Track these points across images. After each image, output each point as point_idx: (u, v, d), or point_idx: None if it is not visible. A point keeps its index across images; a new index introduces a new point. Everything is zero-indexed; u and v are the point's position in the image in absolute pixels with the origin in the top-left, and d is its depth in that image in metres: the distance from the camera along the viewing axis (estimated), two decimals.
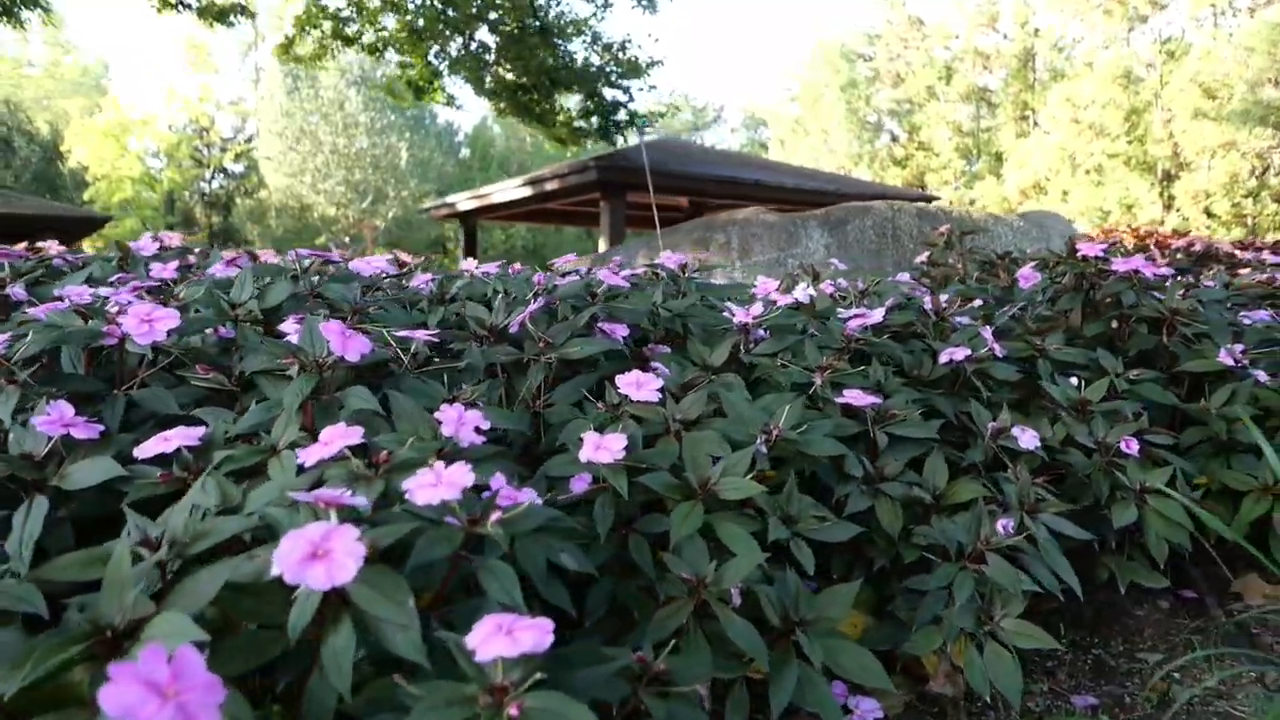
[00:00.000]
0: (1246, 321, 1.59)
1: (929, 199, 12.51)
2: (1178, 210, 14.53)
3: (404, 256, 1.47)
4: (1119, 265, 1.57)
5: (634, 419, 1.00)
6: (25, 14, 6.84)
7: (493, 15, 7.62)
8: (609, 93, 8.23)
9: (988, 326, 1.40)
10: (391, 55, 8.34)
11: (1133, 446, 1.20)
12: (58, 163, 18.97)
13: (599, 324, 1.25)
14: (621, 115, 8.41)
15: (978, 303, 1.82)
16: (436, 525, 0.61)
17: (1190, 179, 14.46)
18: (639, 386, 0.99)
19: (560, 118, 8.49)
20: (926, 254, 2.46)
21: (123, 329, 0.86)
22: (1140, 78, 15.42)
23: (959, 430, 1.26)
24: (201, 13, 7.18)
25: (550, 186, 8.54)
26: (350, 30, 7.91)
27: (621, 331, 1.25)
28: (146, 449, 0.74)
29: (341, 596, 0.54)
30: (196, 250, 1.98)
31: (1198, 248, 3.38)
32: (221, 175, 22.71)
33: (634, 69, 8.18)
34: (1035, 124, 18.19)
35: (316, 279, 1.16)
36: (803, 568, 0.90)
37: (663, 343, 1.39)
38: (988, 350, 1.32)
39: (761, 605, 0.84)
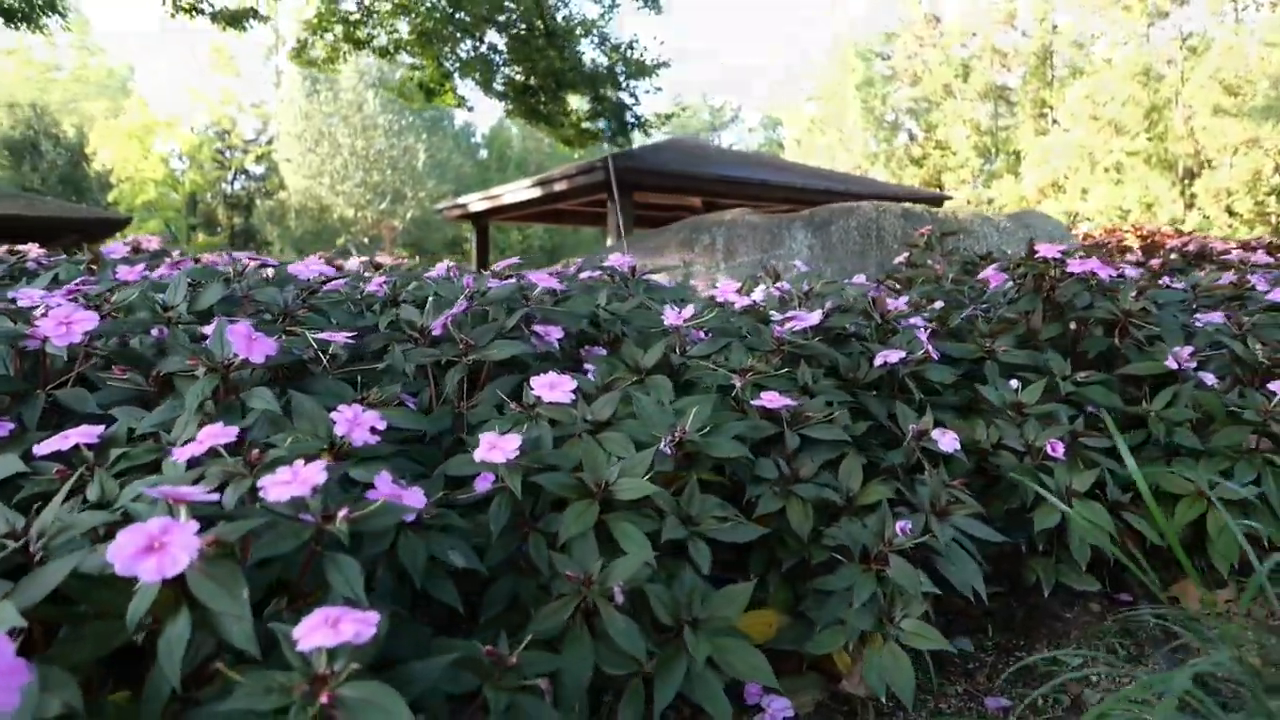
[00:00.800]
0: (1199, 323, 1.58)
1: (944, 199, 12.41)
2: (1199, 209, 14.30)
3: (345, 261, 1.50)
4: (1074, 266, 1.56)
5: (549, 421, 1.02)
6: (44, 19, 6.98)
7: (501, 17, 7.67)
8: (616, 94, 8.24)
9: (925, 329, 1.41)
10: (403, 58, 8.42)
11: (1059, 450, 1.20)
12: (83, 165, 19.32)
13: (534, 326, 1.27)
14: (629, 116, 8.42)
15: (939, 304, 1.83)
16: (290, 521, 0.63)
17: (1211, 177, 14.23)
18: (552, 388, 1.01)
19: (569, 119, 8.52)
20: (906, 255, 2.47)
21: (41, 331, 0.89)
22: (1160, 74, 15.19)
23: (890, 433, 1.27)
24: (215, 17, 7.29)
25: (559, 187, 8.58)
26: (362, 33, 8.01)
27: (556, 334, 1.27)
28: (45, 447, 0.77)
29: (182, 589, 0.57)
30: (176, 253, 2.04)
31: (1192, 247, 3.35)
32: (243, 177, 23.06)
33: (641, 69, 8.18)
34: (1054, 122, 17.98)
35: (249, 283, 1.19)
36: (699, 568, 0.92)
37: (607, 345, 1.41)
38: (924, 353, 1.33)
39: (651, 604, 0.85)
